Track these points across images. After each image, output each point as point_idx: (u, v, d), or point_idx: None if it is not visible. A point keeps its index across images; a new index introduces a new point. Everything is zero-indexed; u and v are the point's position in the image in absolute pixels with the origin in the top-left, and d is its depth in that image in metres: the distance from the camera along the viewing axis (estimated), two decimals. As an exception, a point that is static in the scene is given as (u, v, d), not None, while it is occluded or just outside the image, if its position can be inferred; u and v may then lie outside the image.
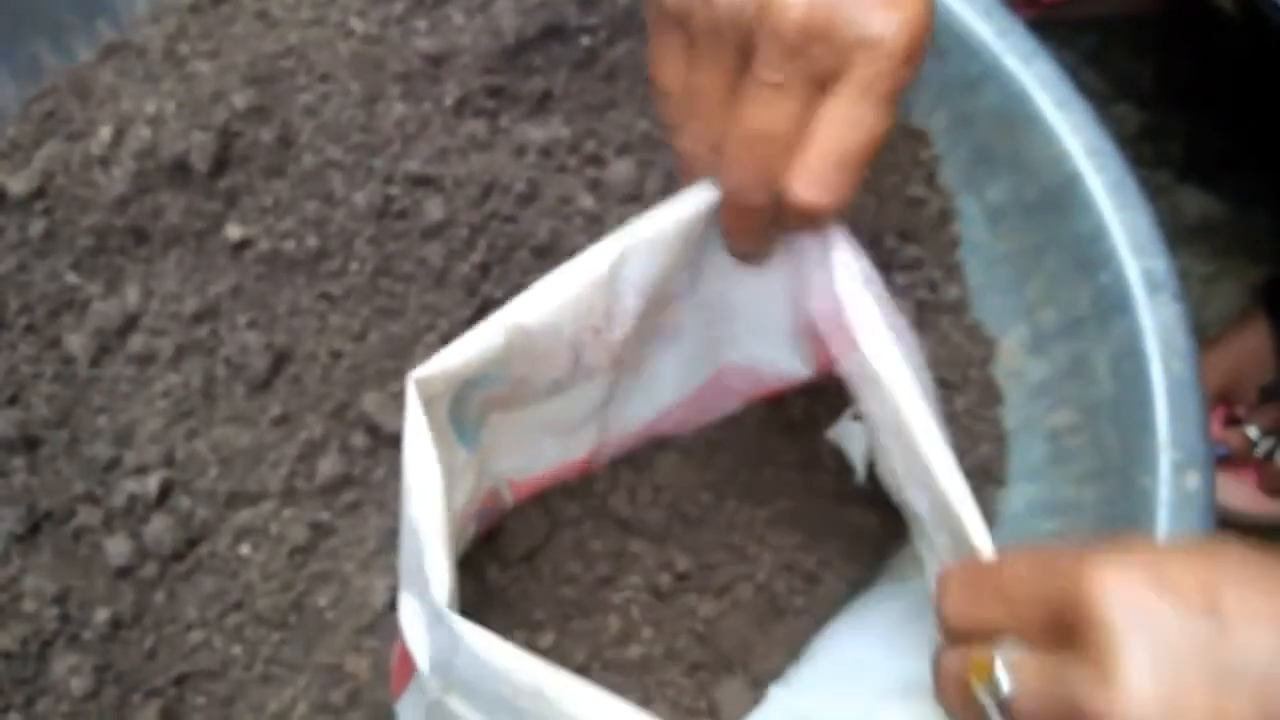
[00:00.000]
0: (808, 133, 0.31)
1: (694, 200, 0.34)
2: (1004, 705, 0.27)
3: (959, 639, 0.29)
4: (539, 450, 0.39)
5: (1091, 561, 0.26)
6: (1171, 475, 0.40)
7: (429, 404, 0.32)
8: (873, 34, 0.30)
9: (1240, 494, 0.81)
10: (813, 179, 0.32)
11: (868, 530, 0.44)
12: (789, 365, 0.40)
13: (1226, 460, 0.80)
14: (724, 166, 0.33)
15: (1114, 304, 0.43)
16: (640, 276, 0.34)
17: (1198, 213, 0.89)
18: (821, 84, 0.31)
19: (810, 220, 0.33)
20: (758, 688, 0.41)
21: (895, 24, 0.30)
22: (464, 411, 0.34)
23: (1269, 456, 0.79)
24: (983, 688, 0.27)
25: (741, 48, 0.31)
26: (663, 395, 0.41)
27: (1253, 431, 0.78)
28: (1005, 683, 0.27)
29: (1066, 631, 0.26)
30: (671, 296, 0.37)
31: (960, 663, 0.29)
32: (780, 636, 0.42)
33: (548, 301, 0.32)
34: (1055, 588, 0.26)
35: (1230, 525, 0.82)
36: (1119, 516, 0.42)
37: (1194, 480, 0.40)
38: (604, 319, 0.34)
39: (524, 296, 0.32)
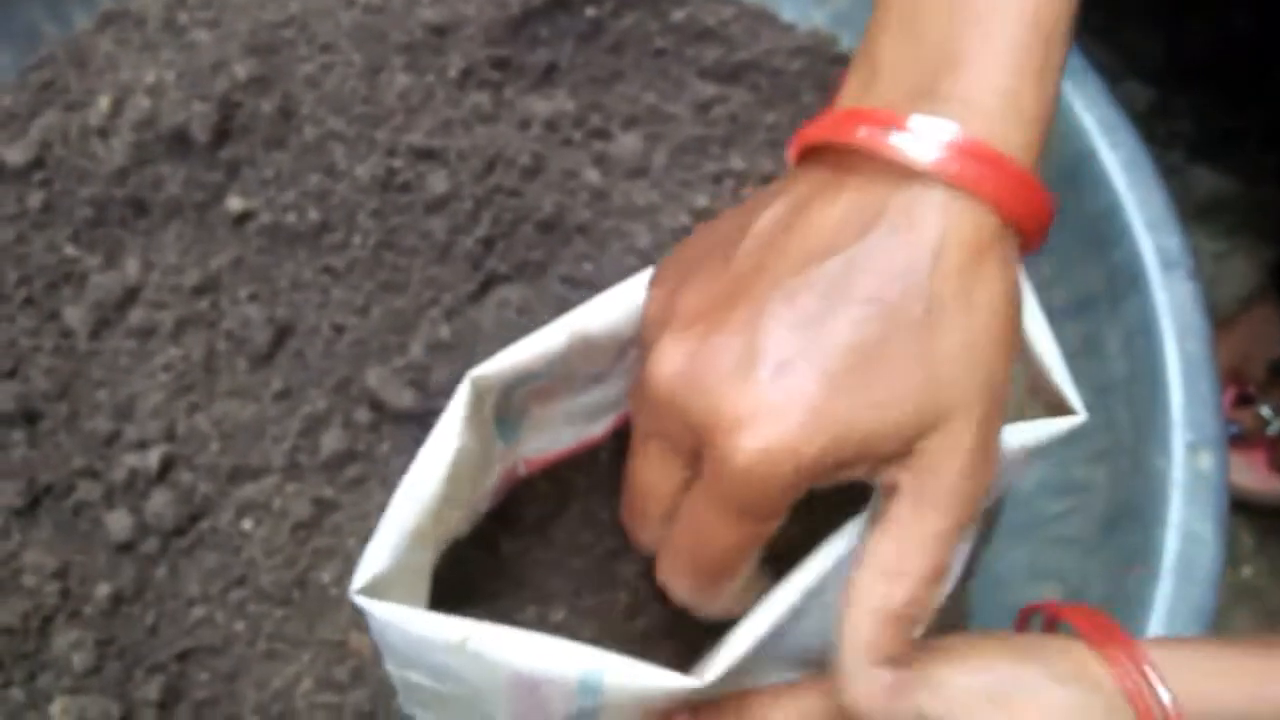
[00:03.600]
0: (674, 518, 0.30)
1: None
2: None
3: None
4: (563, 433, 0.38)
5: None
6: (1185, 455, 0.40)
7: (479, 401, 0.31)
8: (716, 448, 0.27)
9: (1251, 473, 0.81)
10: (667, 571, 0.30)
11: (869, 494, 0.43)
12: None
13: (1238, 439, 0.80)
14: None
15: (1127, 282, 0.43)
16: None
17: (1208, 191, 0.88)
18: (688, 456, 0.28)
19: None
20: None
21: (743, 454, 0.26)
22: (509, 406, 0.34)
23: (1280, 436, 0.79)
24: None
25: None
26: None
27: (1265, 410, 0.78)
28: None
29: None
30: None
31: None
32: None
33: (613, 310, 0.32)
34: None
35: (1241, 504, 0.82)
36: (1130, 497, 0.41)
37: (1207, 460, 0.40)
38: None
39: (591, 304, 0.32)
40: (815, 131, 0.29)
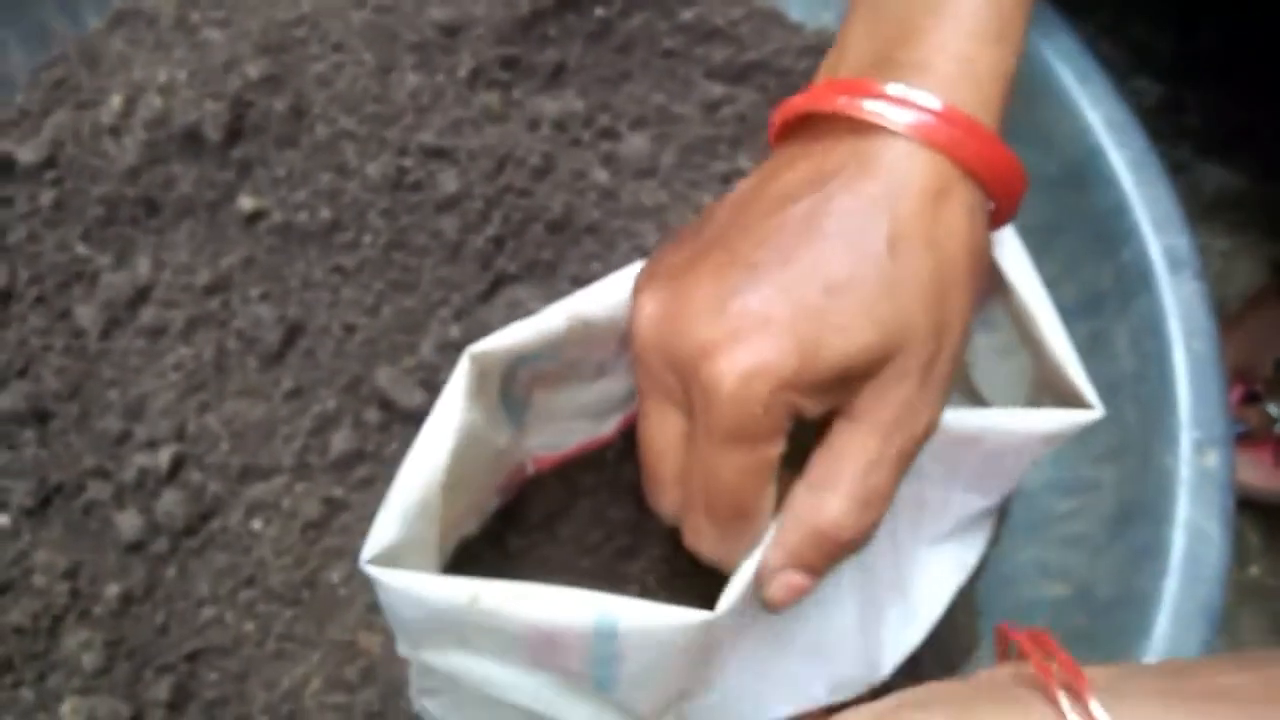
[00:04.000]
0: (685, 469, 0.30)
1: None
2: None
3: None
4: (570, 430, 0.39)
5: None
6: (1192, 454, 0.40)
7: (482, 379, 0.32)
8: (700, 380, 0.28)
9: (1258, 470, 0.81)
10: (690, 528, 0.31)
11: None
12: None
13: (1245, 437, 0.79)
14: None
15: (1135, 281, 0.42)
16: None
17: (1216, 188, 0.88)
18: (683, 407, 0.30)
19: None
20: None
21: (724, 376, 0.28)
22: (513, 389, 0.34)
23: (1287, 434, 0.79)
24: None
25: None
26: None
27: (1272, 409, 0.78)
28: None
29: None
30: None
31: None
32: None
33: (613, 296, 0.32)
34: None
35: (1248, 502, 0.82)
36: (1138, 495, 0.41)
37: (1214, 459, 0.40)
38: None
39: (590, 289, 0.32)
40: (797, 102, 0.31)
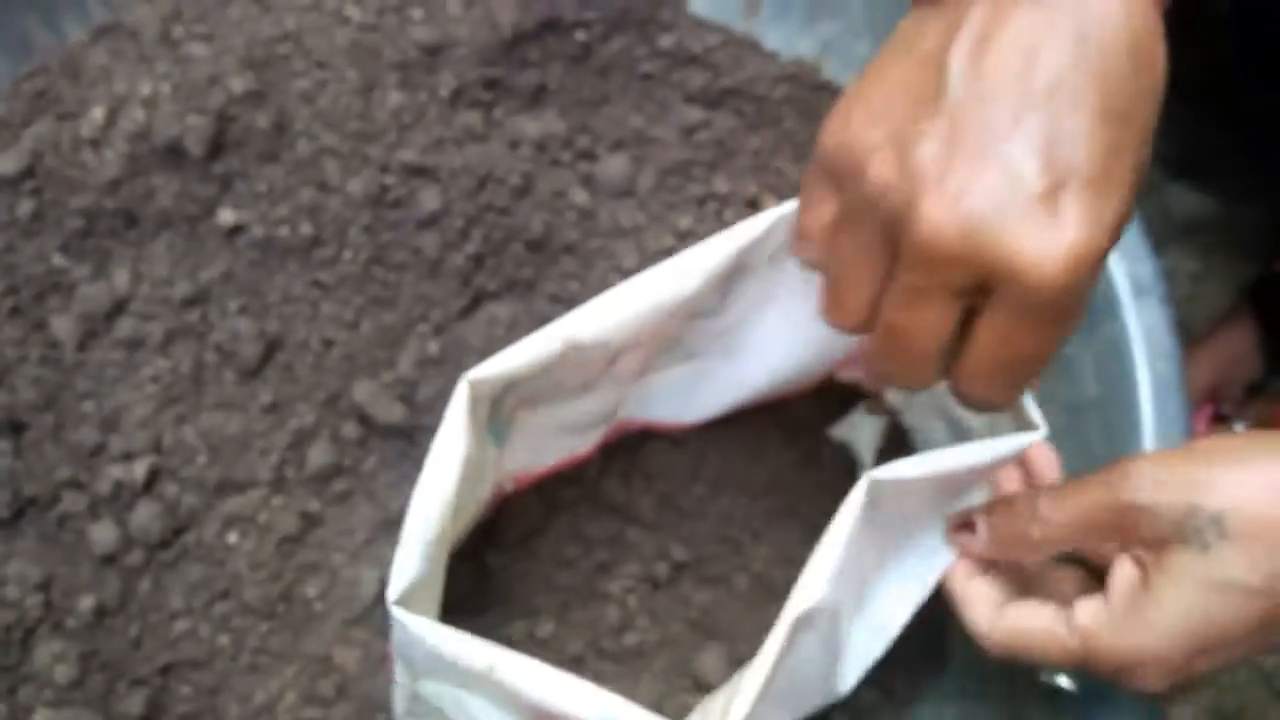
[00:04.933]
0: (965, 339, 0.30)
1: (745, 232, 0.34)
2: None
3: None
4: (551, 446, 0.39)
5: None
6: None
7: (475, 404, 0.32)
8: (1022, 263, 0.27)
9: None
10: (973, 386, 0.30)
11: None
12: (795, 380, 0.40)
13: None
14: (870, 345, 0.31)
15: (1101, 308, 0.43)
16: (687, 301, 0.34)
17: (1186, 210, 0.89)
18: (970, 294, 0.29)
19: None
20: (742, 660, 0.41)
21: (1050, 251, 0.27)
22: (499, 412, 0.35)
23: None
24: None
25: (887, 235, 0.29)
26: (668, 408, 0.41)
27: (1239, 429, 0.79)
28: None
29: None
30: (699, 314, 0.37)
31: None
32: (771, 618, 0.42)
33: (605, 318, 0.33)
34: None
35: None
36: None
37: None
38: (650, 337, 0.35)
39: (583, 310, 0.33)
40: None
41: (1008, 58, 0.29)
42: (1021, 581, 0.36)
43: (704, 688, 0.41)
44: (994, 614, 0.34)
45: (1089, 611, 0.32)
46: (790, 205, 0.34)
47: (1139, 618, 0.31)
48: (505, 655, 0.30)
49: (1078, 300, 0.28)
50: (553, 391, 0.36)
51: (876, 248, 0.30)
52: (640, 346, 0.36)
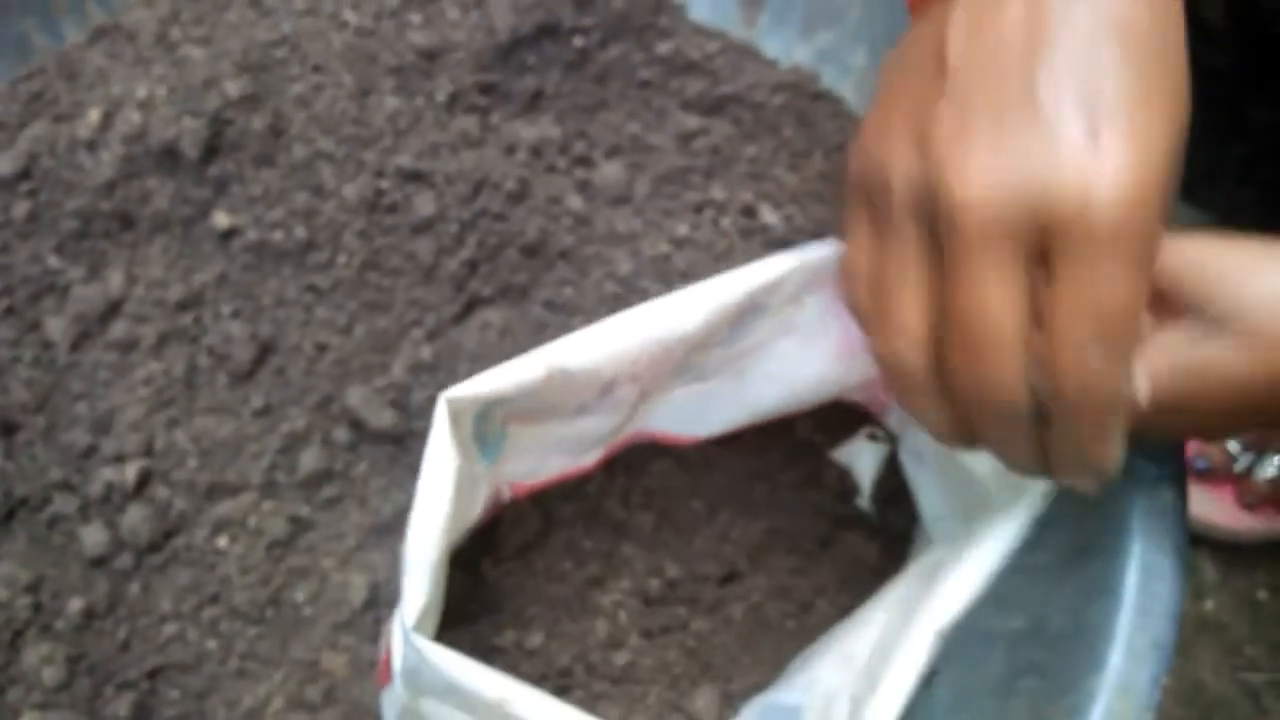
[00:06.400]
0: (1045, 320, 0.27)
1: (758, 274, 0.34)
2: None
3: None
4: (549, 460, 0.39)
5: None
6: (1146, 488, 0.41)
7: (456, 420, 0.32)
8: (1073, 201, 0.26)
9: (1220, 509, 0.82)
10: (1068, 362, 0.27)
11: (867, 558, 0.44)
12: (809, 402, 0.41)
13: (1206, 474, 0.80)
14: (948, 374, 0.29)
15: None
16: (687, 337, 0.34)
17: (1181, 226, 0.89)
18: (1033, 255, 0.27)
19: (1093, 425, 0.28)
20: (735, 699, 0.41)
21: (1099, 181, 0.26)
22: (487, 425, 0.34)
23: (1248, 472, 0.80)
24: None
25: (929, 233, 0.28)
26: (678, 423, 0.41)
27: (1233, 446, 0.79)
28: None
29: None
30: (708, 345, 0.37)
31: None
32: (767, 654, 0.42)
33: (595, 348, 0.32)
34: None
35: (1209, 540, 0.83)
36: (1091, 530, 0.42)
37: (1168, 494, 0.41)
38: (647, 368, 0.35)
39: (571, 339, 0.32)
40: None
41: (1006, 28, 0.28)
42: None
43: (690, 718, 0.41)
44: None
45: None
46: (810, 250, 0.34)
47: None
48: (520, 689, 0.30)
49: (1147, 229, 0.26)
50: (547, 412, 0.36)
51: (923, 251, 0.28)
52: (637, 379, 0.35)
